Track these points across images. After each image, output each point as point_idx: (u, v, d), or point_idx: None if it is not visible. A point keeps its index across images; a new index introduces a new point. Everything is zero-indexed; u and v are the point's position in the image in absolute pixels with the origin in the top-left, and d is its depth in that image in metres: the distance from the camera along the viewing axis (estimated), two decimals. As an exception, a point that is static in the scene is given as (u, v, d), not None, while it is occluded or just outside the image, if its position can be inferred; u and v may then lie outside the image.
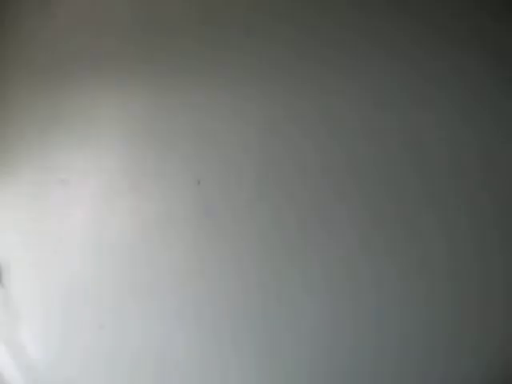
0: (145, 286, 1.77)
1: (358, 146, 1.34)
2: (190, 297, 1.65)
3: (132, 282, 1.81)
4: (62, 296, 2.05)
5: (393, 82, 1.28)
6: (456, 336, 1.21)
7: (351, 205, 1.34)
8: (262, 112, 1.50)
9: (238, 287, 1.54)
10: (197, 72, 1.65)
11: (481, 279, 1.18)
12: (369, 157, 1.32)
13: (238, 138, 1.55)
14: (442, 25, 1.22)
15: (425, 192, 1.25)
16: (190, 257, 1.65)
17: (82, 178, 1.98)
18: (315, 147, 1.40)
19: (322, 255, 1.38)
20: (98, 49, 1.93)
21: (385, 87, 1.30)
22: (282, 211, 1.45)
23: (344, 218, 1.35)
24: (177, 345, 1.68)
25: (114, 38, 1.89)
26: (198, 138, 1.64)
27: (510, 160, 1.16)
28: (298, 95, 1.44)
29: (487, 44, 1.17)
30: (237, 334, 1.54)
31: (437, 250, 1.23)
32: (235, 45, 1.56)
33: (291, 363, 1.43)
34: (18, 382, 2.21)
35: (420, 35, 1.25)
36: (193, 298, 1.64)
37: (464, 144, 1.20)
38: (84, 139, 1.97)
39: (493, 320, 1.17)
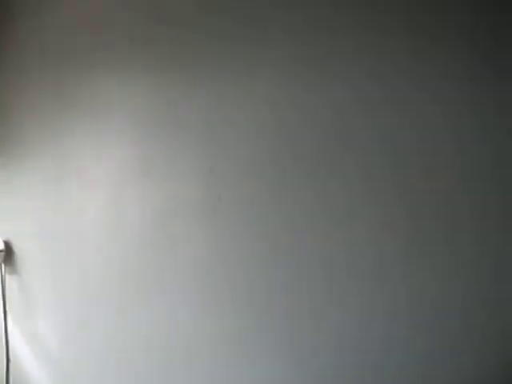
0: (159, 274, 1.77)
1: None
2: (206, 282, 1.64)
3: (147, 269, 1.80)
4: (76, 284, 2.06)
5: (400, 75, 1.27)
6: (458, 338, 1.21)
7: (379, 192, 1.32)
8: (275, 96, 1.48)
9: (255, 273, 1.53)
10: (210, 57, 1.63)
11: (484, 279, 1.18)
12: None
13: (250, 124, 1.53)
14: (446, 18, 1.21)
15: (431, 189, 1.24)
16: (205, 243, 1.64)
17: (95, 165, 1.98)
18: (332, 130, 1.38)
19: (345, 244, 1.37)
20: (110, 37, 1.92)
21: (391, 78, 1.29)
22: (300, 197, 1.44)
23: (366, 208, 1.32)
24: (191, 333, 1.68)
25: (125, 25, 1.89)
26: (210, 125, 1.63)
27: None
28: (310, 80, 1.42)
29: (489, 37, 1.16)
30: (255, 323, 1.54)
31: (441, 249, 1.23)
32: (249, 30, 1.55)
33: (306, 355, 1.42)
34: (33, 369, 2.24)
35: (424, 27, 1.24)
36: (209, 284, 1.63)
37: (472, 142, 1.19)
38: (96, 127, 1.98)
39: (494, 320, 1.17)
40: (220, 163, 1.60)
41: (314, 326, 1.41)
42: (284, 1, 1.47)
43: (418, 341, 1.25)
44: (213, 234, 1.63)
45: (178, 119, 1.72)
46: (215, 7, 1.63)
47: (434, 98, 1.22)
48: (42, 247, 2.22)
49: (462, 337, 1.19)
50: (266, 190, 1.51)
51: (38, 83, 2.21)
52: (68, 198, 2.09)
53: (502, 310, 1.15)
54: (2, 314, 2.33)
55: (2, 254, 2.32)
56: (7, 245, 2.34)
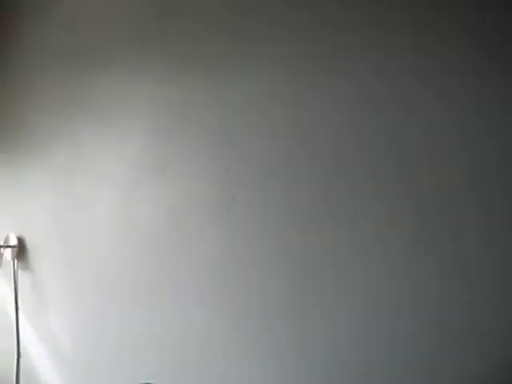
0: (173, 273, 1.76)
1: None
2: (220, 283, 1.64)
3: (160, 268, 1.80)
4: (89, 281, 2.07)
5: (406, 72, 1.27)
6: (464, 335, 1.20)
7: (388, 191, 1.32)
8: (289, 98, 1.48)
9: (268, 273, 1.52)
10: (223, 58, 1.64)
11: (490, 276, 1.17)
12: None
13: (265, 123, 1.53)
14: (452, 15, 1.21)
15: (437, 187, 1.24)
16: (219, 243, 1.64)
17: (109, 163, 1.99)
18: (348, 126, 1.37)
19: (359, 247, 1.36)
20: (126, 34, 1.95)
21: (397, 76, 1.29)
22: (313, 197, 1.43)
23: (380, 206, 1.32)
24: (205, 332, 1.68)
25: (139, 27, 1.90)
26: (224, 124, 1.63)
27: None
28: (316, 77, 1.42)
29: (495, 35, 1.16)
30: (268, 323, 1.53)
31: (447, 246, 1.22)
32: (260, 29, 1.56)
33: (325, 342, 1.42)
34: (44, 365, 2.26)
35: (430, 24, 1.24)
36: (223, 284, 1.63)
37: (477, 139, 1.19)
38: (110, 125, 1.99)
39: (499, 317, 1.16)
40: (235, 163, 1.60)
41: (325, 326, 1.40)
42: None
43: (423, 337, 1.25)
44: (227, 234, 1.63)
45: (193, 119, 1.73)
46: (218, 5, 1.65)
47: (439, 95, 1.22)
48: (55, 244, 2.25)
49: (467, 334, 1.19)
50: (280, 190, 1.50)
51: (52, 80, 2.24)
52: (81, 196, 2.11)
53: (508, 307, 1.14)
54: (14, 310, 2.36)
55: (15, 249, 2.36)
56: (20, 241, 2.37)
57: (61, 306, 2.21)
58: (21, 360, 2.36)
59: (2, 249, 2.36)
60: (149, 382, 1.60)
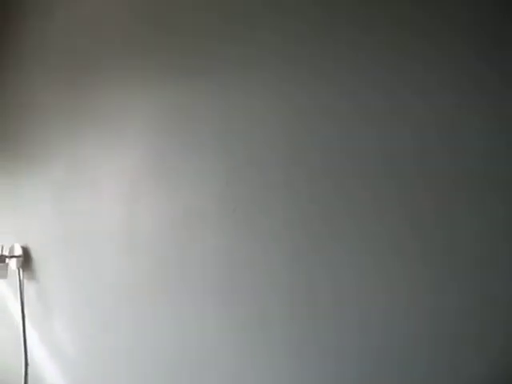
0: (176, 284, 1.76)
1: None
2: (221, 294, 1.63)
3: (164, 279, 1.80)
4: (95, 290, 2.08)
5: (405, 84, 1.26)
6: (460, 335, 1.19)
7: (389, 200, 1.30)
8: (288, 111, 1.47)
9: (269, 285, 1.51)
10: (224, 70, 1.63)
11: (485, 277, 1.16)
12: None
13: (265, 137, 1.52)
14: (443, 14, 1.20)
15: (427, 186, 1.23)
16: (222, 254, 1.63)
17: (109, 172, 2.00)
18: (346, 141, 1.36)
19: (353, 255, 1.34)
20: (124, 47, 1.94)
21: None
22: (312, 209, 1.42)
23: (385, 215, 1.30)
24: (209, 342, 1.67)
25: (138, 26, 1.90)
26: (225, 135, 1.62)
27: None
28: (319, 95, 1.41)
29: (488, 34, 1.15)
30: (266, 331, 1.52)
31: (440, 248, 1.21)
32: (260, 40, 1.54)
33: (335, 343, 1.40)
34: (51, 374, 2.28)
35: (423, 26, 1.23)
36: (224, 295, 1.62)
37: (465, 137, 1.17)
38: (110, 134, 1.99)
39: (496, 319, 1.15)
40: (235, 176, 1.60)
41: (324, 335, 1.40)
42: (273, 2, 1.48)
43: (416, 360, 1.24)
44: (227, 247, 1.62)
45: (194, 131, 1.72)
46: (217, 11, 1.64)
47: (435, 107, 1.21)
48: (60, 253, 2.26)
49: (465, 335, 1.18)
50: (280, 203, 1.49)
51: (52, 91, 2.24)
52: (83, 206, 2.12)
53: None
54: (21, 319, 2.37)
55: (20, 259, 2.37)
56: (25, 251, 2.39)
57: (67, 315, 2.23)
58: (28, 368, 2.37)
59: (7, 259, 2.38)
60: None
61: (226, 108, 1.63)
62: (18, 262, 2.37)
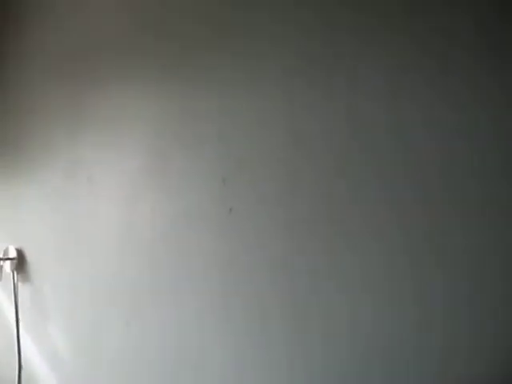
0: (173, 284, 1.76)
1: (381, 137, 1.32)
2: (218, 294, 1.63)
3: (160, 279, 1.80)
4: (89, 293, 2.07)
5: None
6: (453, 335, 1.20)
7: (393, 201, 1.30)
8: (289, 108, 1.46)
9: (266, 285, 1.51)
10: (222, 71, 1.63)
11: (480, 278, 1.17)
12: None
13: (264, 135, 1.52)
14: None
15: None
16: (218, 254, 1.63)
17: (108, 175, 1.99)
18: (346, 143, 1.36)
19: (356, 251, 1.34)
20: (124, 48, 1.93)
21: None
22: (311, 207, 1.41)
23: (388, 215, 1.29)
24: (207, 344, 1.67)
25: (138, 30, 1.89)
26: (223, 134, 1.62)
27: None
28: (322, 90, 1.41)
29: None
30: (266, 332, 1.52)
31: (434, 248, 1.22)
32: (261, 35, 1.54)
33: (323, 347, 1.40)
34: (45, 376, 2.27)
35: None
36: (221, 295, 1.63)
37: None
38: (109, 137, 1.98)
39: (491, 319, 1.16)
40: (232, 175, 1.60)
41: (325, 335, 1.40)
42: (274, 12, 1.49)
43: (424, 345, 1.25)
44: (224, 246, 1.62)
45: (192, 131, 1.72)
46: (217, 20, 1.64)
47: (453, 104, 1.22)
48: (55, 256, 2.24)
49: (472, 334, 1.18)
50: (277, 202, 1.49)
51: (50, 94, 2.23)
52: (80, 208, 2.11)
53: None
54: (15, 322, 2.36)
55: (15, 262, 2.35)
56: (20, 253, 2.37)
57: (61, 318, 2.22)
58: (22, 372, 2.36)
59: (1, 261, 2.36)
60: None
61: (224, 107, 1.62)
62: (12, 264, 2.36)
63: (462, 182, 1.19)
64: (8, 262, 2.36)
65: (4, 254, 2.38)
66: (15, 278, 2.37)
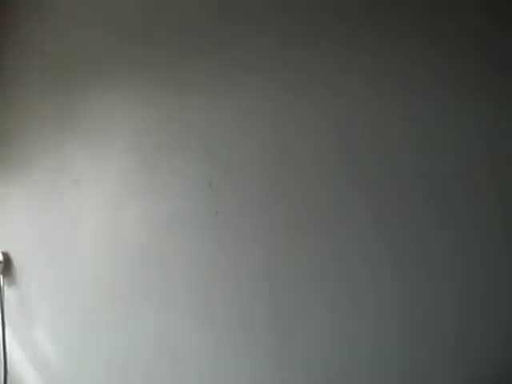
0: (158, 286, 1.78)
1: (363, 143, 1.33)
2: (203, 296, 1.66)
3: (146, 281, 1.81)
4: (76, 295, 2.06)
5: (392, 74, 1.28)
6: (459, 336, 1.21)
7: (352, 207, 1.32)
8: (275, 113, 1.50)
9: (250, 288, 1.54)
10: (209, 72, 1.65)
11: (485, 279, 1.18)
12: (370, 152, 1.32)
13: (251, 139, 1.55)
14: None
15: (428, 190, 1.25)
16: (203, 257, 1.66)
17: (95, 178, 1.99)
18: (335, 139, 1.39)
19: (338, 257, 1.38)
20: (110, 50, 1.94)
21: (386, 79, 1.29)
22: (295, 212, 1.45)
23: (367, 218, 1.33)
24: (191, 342, 1.69)
25: (126, 39, 1.90)
26: (209, 139, 1.64)
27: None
28: (307, 95, 1.43)
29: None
30: (249, 331, 1.55)
31: (440, 249, 1.23)
32: (246, 44, 1.57)
33: (303, 356, 1.43)
34: (32, 380, 2.26)
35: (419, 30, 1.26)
36: (206, 298, 1.65)
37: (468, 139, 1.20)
38: (96, 140, 1.98)
39: (496, 320, 1.17)
40: (218, 178, 1.62)
41: (307, 340, 1.43)
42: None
43: (412, 355, 1.26)
44: (209, 249, 1.64)
45: (178, 134, 1.73)
46: (209, 25, 1.65)
47: (435, 110, 1.23)
48: (41, 259, 2.23)
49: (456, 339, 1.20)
50: (263, 205, 1.51)
51: (38, 97, 2.22)
52: (67, 211, 2.10)
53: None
54: (1, 326, 2.34)
55: (1, 265, 2.33)
56: (6, 256, 2.35)
57: (48, 321, 2.21)
58: (8, 376, 2.34)
59: (-13, 265, 2.34)
60: None
61: (211, 110, 1.64)
62: (-2, 267, 2.33)
63: (445, 192, 1.20)
64: (-6, 266, 2.33)
65: (-10, 258, 2.36)
66: (1, 282, 2.35)
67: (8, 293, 2.35)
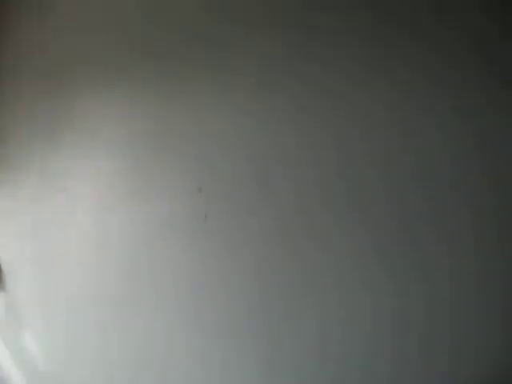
0: (147, 291, 1.77)
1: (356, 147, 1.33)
2: (192, 302, 1.65)
3: (134, 287, 1.80)
4: (65, 300, 2.04)
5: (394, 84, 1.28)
6: (456, 336, 1.21)
7: (361, 212, 1.32)
8: (264, 118, 1.49)
9: (239, 293, 1.54)
10: (198, 77, 1.64)
11: (481, 280, 1.18)
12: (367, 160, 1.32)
13: (239, 145, 1.54)
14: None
15: (425, 197, 1.25)
16: (192, 262, 1.65)
17: (83, 184, 1.97)
18: (313, 163, 1.39)
19: (330, 264, 1.38)
20: (99, 54, 1.93)
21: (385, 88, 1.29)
22: (284, 218, 1.45)
23: (357, 225, 1.34)
24: (179, 348, 1.68)
25: (114, 43, 1.89)
26: (199, 145, 1.64)
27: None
28: (300, 109, 1.43)
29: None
30: (238, 337, 1.54)
31: (436, 252, 1.23)
32: (238, 48, 1.56)
33: (293, 363, 1.43)
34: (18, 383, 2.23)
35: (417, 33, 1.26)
36: (195, 304, 1.65)
37: (465, 147, 1.20)
38: (84, 146, 1.97)
39: (493, 321, 1.18)
40: (207, 183, 1.61)
41: (297, 346, 1.43)
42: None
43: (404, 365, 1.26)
44: (198, 254, 1.64)
45: (167, 140, 1.72)
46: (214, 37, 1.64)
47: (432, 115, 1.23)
48: (30, 264, 2.20)
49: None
50: (252, 210, 1.51)
51: (25, 102, 2.20)
52: (55, 217, 2.08)
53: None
54: (-12, 331, 2.31)
55: (-11, 270, 2.30)
56: (-6, 261, 2.32)
57: (36, 326, 2.18)
58: (-4, 381, 2.31)
59: (-25, 269, 2.30)
60: None
61: (200, 120, 1.64)
62: (-15, 272, 2.30)
63: (440, 197, 1.21)
64: (-18, 270, 2.29)
65: (-23, 262, 2.32)
66: (-11, 286, 2.31)
67: (-4, 298, 2.32)
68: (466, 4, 1.21)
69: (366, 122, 1.31)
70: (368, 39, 1.30)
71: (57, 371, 2.07)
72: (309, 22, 1.39)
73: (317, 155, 1.37)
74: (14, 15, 2.29)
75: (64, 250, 2.04)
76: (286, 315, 1.44)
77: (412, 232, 1.24)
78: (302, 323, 1.41)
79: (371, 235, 1.30)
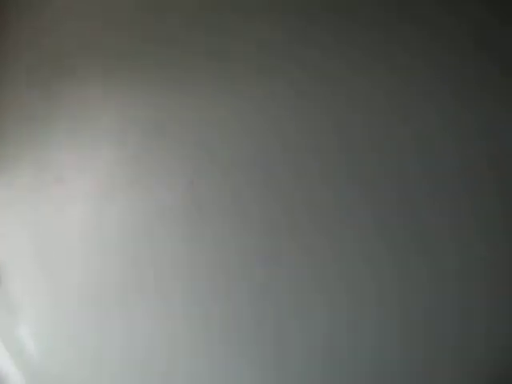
0: (146, 282, 1.76)
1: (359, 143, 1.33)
2: (194, 294, 1.64)
3: (134, 278, 1.79)
4: (63, 294, 2.01)
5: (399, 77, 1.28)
6: (461, 336, 1.21)
7: (352, 207, 1.32)
8: (259, 113, 1.49)
9: (240, 285, 1.54)
10: (198, 64, 1.64)
11: (485, 278, 1.18)
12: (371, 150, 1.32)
13: (239, 131, 1.54)
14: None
15: (432, 190, 1.25)
16: (193, 251, 1.65)
17: (80, 175, 1.95)
18: (313, 149, 1.39)
19: (337, 256, 1.37)
20: (97, 46, 1.92)
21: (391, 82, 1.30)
22: (285, 204, 1.45)
23: (367, 218, 1.33)
24: (183, 345, 1.67)
25: (114, 30, 1.88)
26: (199, 132, 1.64)
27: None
28: (300, 95, 1.43)
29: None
30: (242, 332, 1.54)
31: (444, 249, 1.23)
32: (238, 34, 1.56)
33: (300, 364, 1.42)
34: (16, 380, 2.22)
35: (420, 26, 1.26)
36: (197, 296, 1.64)
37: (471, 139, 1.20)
38: (83, 134, 1.95)
39: (497, 320, 1.17)
40: (202, 176, 1.62)
41: (299, 339, 1.42)
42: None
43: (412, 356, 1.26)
44: (198, 242, 1.63)
45: (167, 129, 1.72)
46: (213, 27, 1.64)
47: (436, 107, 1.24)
48: (27, 257, 2.19)
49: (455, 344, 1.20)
50: (247, 202, 1.51)
51: (20, 92, 2.17)
52: (51, 210, 2.05)
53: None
54: (-16, 324, 2.30)
55: (-15, 262, 2.29)
56: (-10, 253, 2.31)
57: (33, 321, 2.16)
58: (-8, 376, 2.30)
59: (-30, 262, 2.29)
60: None
61: (197, 110, 1.64)
62: (-18, 264, 2.28)
63: (446, 191, 1.21)
64: (-22, 263, 2.28)
65: (-26, 254, 2.31)
66: (-15, 279, 2.30)
67: (-8, 291, 2.31)
68: (466, -10, 1.22)
69: (366, 108, 1.30)
70: (368, 25, 1.30)
71: (53, 367, 2.02)
72: (309, 8, 1.39)
73: (317, 141, 1.37)
74: (11, 7, 2.29)
75: (62, 241, 2.01)
76: (295, 308, 1.43)
77: (412, 204, 1.24)
78: (310, 316, 1.40)
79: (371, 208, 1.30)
